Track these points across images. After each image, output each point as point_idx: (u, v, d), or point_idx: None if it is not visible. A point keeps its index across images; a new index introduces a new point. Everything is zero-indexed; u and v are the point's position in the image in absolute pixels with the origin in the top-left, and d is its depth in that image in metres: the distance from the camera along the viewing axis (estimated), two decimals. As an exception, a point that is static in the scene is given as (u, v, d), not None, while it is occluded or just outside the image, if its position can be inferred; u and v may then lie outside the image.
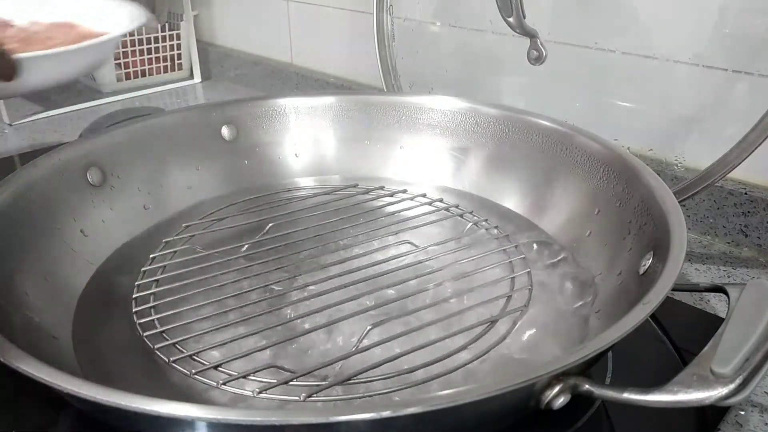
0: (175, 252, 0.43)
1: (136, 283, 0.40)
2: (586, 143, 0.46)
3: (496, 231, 0.45)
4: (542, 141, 0.49)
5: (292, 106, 0.58)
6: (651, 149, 0.54)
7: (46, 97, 0.94)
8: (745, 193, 0.49)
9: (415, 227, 0.45)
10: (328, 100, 0.58)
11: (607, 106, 0.57)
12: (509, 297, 0.38)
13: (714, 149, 0.46)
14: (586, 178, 0.45)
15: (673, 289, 0.30)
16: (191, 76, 1.02)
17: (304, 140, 0.57)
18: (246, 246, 0.43)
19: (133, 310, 0.37)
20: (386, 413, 0.24)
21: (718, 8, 0.49)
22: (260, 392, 0.31)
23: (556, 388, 0.27)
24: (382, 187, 0.52)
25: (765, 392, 0.36)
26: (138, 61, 0.96)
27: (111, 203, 0.47)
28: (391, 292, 0.38)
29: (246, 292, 0.38)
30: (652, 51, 0.52)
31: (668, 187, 0.39)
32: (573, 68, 0.59)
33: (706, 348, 0.28)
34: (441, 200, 0.50)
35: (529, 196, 0.49)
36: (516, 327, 0.37)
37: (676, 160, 0.53)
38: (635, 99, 0.56)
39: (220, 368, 0.32)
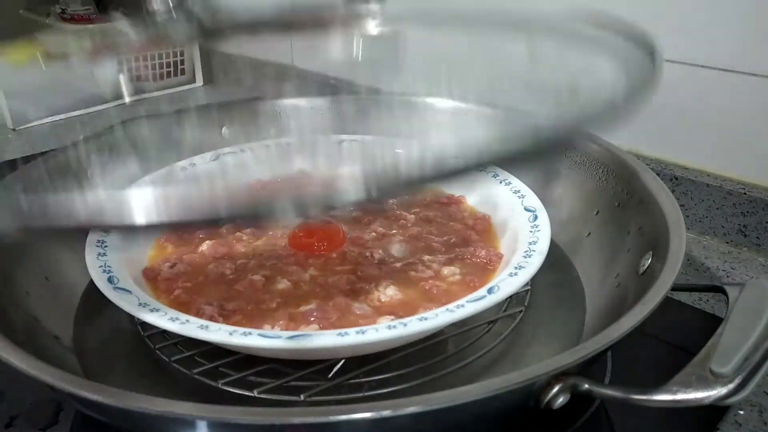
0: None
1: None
2: (585, 144, 0.46)
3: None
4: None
5: (293, 107, 0.58)
6: (650, 149, 0.54)
7: (49, 102, 0.94)
8: (744, 193, 0.49)
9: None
10: (328, 100, 0.58)
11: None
12: (508, 297, 0.38)
13: (714, 149, 0.46)
14: (586, 178, 0.46)
15: (672, 289, 0.30)
16: (193, 80, 1.02)
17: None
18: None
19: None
20: (386, 412, 0.24)
21: (717, 8, 0.49)
22: (261, 392, 0.31)
23: (556, 388, 0.27)
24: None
25: (764, 392, 0.36)
26: (141, 65, 0.96)
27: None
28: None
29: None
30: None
31: (667, 188, 0.39)
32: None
33: (705, 348, 0.28)
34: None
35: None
36: (515, 327, 0.37)
37: (676, 160, 0.53)
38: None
39: (221, 367, 0.33)
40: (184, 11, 0.37)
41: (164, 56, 0.98)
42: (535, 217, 0.39)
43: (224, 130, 0.55)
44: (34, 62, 0.40)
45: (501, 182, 0.44)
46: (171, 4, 0.37)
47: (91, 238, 0.37)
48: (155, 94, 0.97)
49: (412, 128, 0.56)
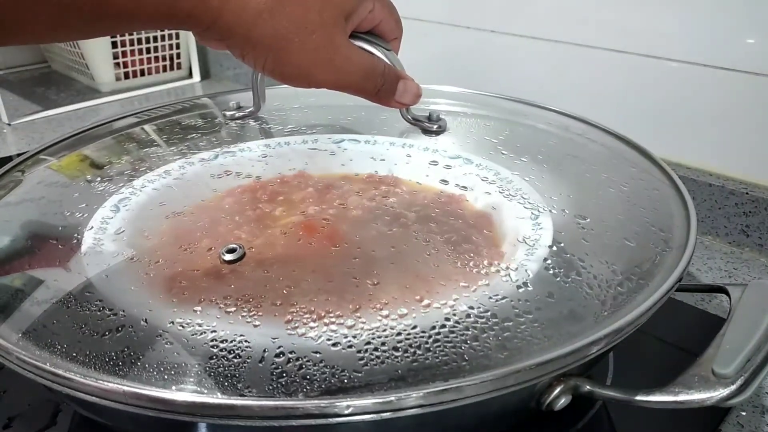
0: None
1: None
2: (588, 141, 0.46)
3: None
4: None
5: (293, 105, 0.58)
6: (652, 149, 0.54)
7: (45, 97, 0.94)
8: (747, 193, 0.49)
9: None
10: (328, 99, 0.58)
11: (607, 106, 0.57)
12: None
13: (716, 149, 0.46)
14: (589, 176, 0.45)
15: (675, 290, 0.30)
16: (190, 75, 1.02)
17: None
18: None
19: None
20: (386, 414, 0.24)
21: (720, 7, 0.49)
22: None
23: (557, 390, 0.27)
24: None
25: (766, 393, 0.36)
26: (137, 60, 0.96)
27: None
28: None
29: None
30: (652, 50, 0.52)
31: (671, 187, 0.39)
32: (574, 68, 0.58)
33: (707, 349, 0.28)
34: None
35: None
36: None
37: (678, 160, 0.53)
38: (636, 98, 0.56)
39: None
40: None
41: (159, 50, 0.97)
42: (537, 216, 0.39)
43: (222, 128, 0.55)
44: (82, 171, 0.45)
45: (502, 180, 0.44)
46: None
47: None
48: (151, 89, 0.97)
49: (412, 128, 0.56)
